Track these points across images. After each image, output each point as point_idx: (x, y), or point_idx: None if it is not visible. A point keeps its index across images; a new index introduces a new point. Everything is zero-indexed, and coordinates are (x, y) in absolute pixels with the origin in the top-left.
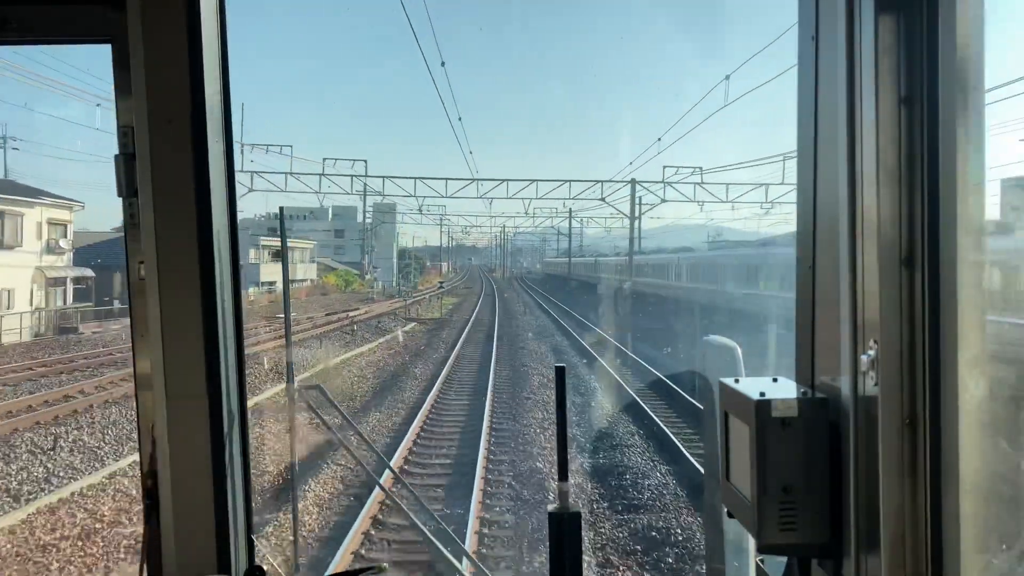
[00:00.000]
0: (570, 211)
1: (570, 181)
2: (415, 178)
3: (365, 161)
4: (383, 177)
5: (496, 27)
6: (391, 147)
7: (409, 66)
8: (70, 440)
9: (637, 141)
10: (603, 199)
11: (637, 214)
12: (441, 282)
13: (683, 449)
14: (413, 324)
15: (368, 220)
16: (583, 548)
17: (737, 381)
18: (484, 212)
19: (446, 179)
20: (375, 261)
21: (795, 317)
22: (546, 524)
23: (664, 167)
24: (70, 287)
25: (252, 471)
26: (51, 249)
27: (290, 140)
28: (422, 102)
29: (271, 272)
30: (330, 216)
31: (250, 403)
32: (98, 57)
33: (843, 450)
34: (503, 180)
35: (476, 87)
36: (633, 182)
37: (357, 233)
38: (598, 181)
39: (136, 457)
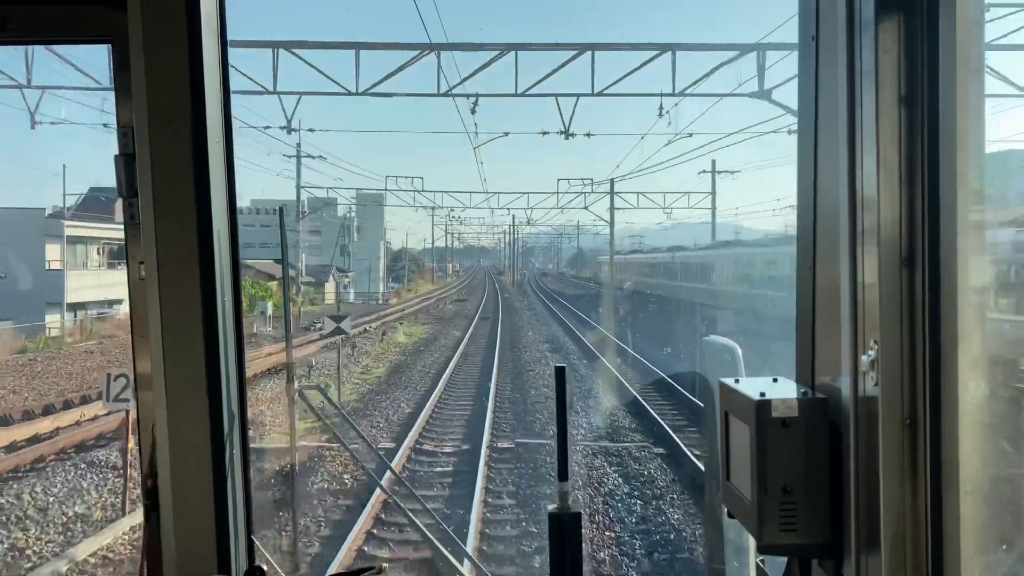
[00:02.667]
0: (612, 182)
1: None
2: (324, 93)
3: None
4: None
5: None
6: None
7: None
8: None
9: None
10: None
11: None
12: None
13: None
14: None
15: (349, 210)
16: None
17: (737, 381)
18: (484, 195)
19: (407, 95)
20: (352, 264)
21: (795, 317)
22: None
23: None
24: None
25: (252, 471)
26: None
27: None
28: None
29: (90, 285)
30: (305, 210)
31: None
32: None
33: (843, 450)
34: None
35: None
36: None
37: (336, 230)
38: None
39: None
